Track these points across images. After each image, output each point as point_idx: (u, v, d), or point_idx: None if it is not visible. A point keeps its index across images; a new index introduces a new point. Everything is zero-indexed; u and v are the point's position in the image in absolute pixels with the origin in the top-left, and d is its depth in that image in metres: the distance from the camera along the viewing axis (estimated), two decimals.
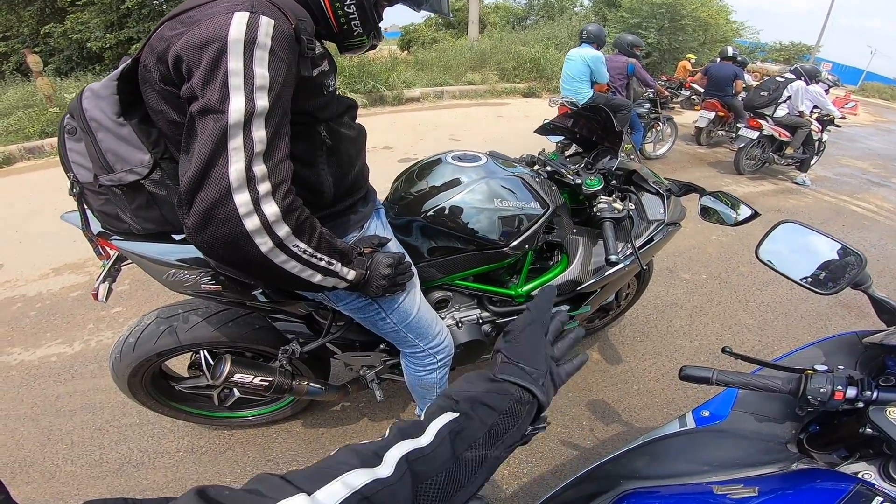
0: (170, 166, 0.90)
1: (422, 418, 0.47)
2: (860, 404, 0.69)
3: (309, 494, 0.34)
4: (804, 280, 0.96)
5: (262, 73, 0.72)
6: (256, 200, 0.73)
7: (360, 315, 1.18)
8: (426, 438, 0.43)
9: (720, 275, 3.09)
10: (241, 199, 0.72)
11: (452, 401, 0.48)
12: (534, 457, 1.75)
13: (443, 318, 1.45)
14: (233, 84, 0.70)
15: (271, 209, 0.75)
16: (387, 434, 0.45)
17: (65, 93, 6.73)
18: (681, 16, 11.98)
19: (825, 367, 0.74)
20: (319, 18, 0.93)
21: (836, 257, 0.94)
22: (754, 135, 5.20)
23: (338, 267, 0.90)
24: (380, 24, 1.00)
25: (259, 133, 0.73)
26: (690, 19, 12.03)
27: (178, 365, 1.70)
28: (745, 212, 1.48)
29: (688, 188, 1.63)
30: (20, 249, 3.29)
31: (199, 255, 1.06)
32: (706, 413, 0.89)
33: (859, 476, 0.67)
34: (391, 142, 5.47)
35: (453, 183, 1.31)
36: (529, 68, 9.85)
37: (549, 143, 2.09)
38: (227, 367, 1.27)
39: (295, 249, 0.81)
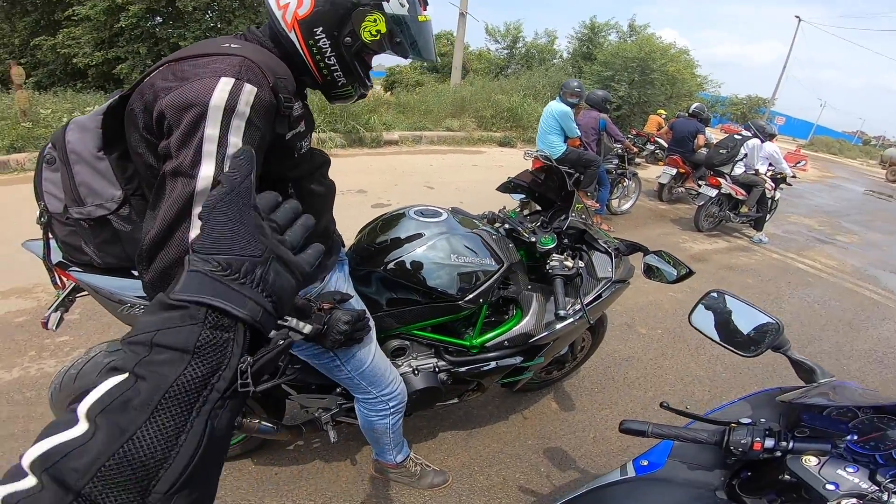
0: (139, 203, 0.93)
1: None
2: (779, 454, 0.77)
3: None
4: (728, 344, 1.06)
5: (235, 142, 0.76)
6: None
7: (315, 361, 1.22)
8: (80, 426, 0.32)
9: (674, 329, 3.22)
10: None
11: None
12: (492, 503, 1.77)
13: (399, 366, 1.48)
14: (206, 150, 0.74)
15: None
16: None
17: (41, 107, 6.45)
18: (650, 69, 12.52)
19: (748, 421, 0.83)
20: (304, 71, 0.96)
21: (758, 323, 1.05)
22: (713, 192, 5.36)
23: (293, 322, 0.95)
24: (366, 74, 1.02)
25: None
26: (659, 73, 12.59)
27: None
28: (682, 270, 1.61)
29: (634, 247, 1.75)
30: None
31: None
32: (645, 462, 0.96)
33: None
34: (365, 185, 5.48)
35: (414, 237, 1.39)
36: (507, 117, 10.06)
37: (512, 200, 2.21)
38: None
39: None
